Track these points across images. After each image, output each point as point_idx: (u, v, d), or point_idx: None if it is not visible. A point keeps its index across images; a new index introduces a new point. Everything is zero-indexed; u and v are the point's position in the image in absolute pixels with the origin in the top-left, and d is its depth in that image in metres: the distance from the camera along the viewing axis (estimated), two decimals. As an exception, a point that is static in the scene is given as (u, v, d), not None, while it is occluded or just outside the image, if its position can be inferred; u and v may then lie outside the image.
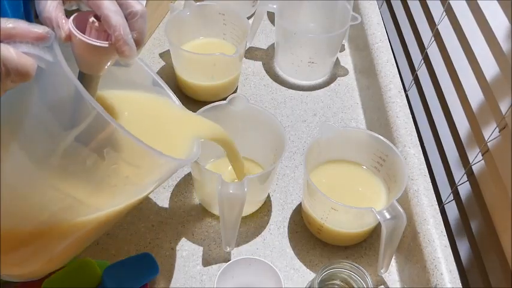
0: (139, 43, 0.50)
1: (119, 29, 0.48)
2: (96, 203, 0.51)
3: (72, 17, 0.48)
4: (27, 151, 0.47)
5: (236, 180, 0.73)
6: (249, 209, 0.76)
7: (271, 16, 1.11)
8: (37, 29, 0.44)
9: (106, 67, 0.50)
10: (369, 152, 0.75)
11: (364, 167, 0.77)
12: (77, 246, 0.56)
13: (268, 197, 0.79)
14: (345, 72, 1.01)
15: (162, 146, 0.50)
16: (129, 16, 0.49)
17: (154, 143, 0.49)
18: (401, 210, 0.63)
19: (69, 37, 0.47)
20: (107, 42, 0.48)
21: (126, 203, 0.54)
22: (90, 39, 0.47)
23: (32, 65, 0.42)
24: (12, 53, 0.41)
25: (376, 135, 0.73)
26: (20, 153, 0.48)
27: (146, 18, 0.51)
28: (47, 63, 0.44)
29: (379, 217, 0.64)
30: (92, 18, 0.48)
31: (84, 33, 0.48)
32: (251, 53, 1.03)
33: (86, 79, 0.50)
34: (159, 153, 0.49)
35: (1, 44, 0.41)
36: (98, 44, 0.48)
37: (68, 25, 0.47)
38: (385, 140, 0.72)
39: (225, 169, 0.77)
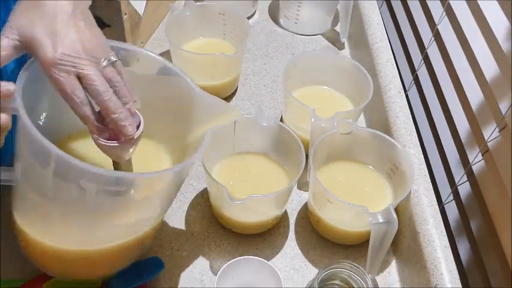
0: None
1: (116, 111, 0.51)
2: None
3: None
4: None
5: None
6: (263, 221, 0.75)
7: (271, 15, 1.11)
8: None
9: (131, 153, 0.55)
10: (383, 157, 0.75)
11: (378, 173, 0.77)
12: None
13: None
14: (345, 72, 1.01)
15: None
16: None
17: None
18: (394, 216, 0.63)
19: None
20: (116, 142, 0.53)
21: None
22: (107, 142, 0.52)
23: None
24: None
25: (394, 141, 0.73)
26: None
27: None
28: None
29: (370, 218, 0.64)
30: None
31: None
32: (251, 53, 1.03)
33: (119, 163, 0.57)
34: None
35: None
36: (115, 144, 0.53)
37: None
38: (399, 145, 0.72)
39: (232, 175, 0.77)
